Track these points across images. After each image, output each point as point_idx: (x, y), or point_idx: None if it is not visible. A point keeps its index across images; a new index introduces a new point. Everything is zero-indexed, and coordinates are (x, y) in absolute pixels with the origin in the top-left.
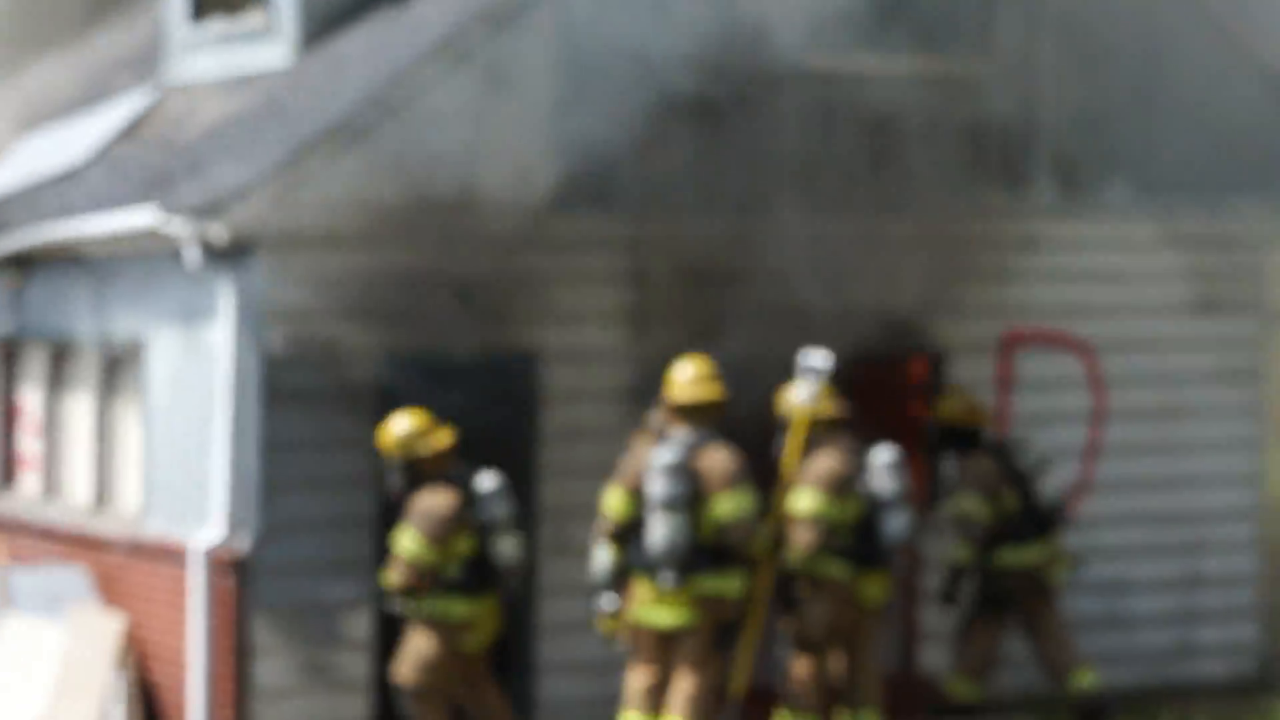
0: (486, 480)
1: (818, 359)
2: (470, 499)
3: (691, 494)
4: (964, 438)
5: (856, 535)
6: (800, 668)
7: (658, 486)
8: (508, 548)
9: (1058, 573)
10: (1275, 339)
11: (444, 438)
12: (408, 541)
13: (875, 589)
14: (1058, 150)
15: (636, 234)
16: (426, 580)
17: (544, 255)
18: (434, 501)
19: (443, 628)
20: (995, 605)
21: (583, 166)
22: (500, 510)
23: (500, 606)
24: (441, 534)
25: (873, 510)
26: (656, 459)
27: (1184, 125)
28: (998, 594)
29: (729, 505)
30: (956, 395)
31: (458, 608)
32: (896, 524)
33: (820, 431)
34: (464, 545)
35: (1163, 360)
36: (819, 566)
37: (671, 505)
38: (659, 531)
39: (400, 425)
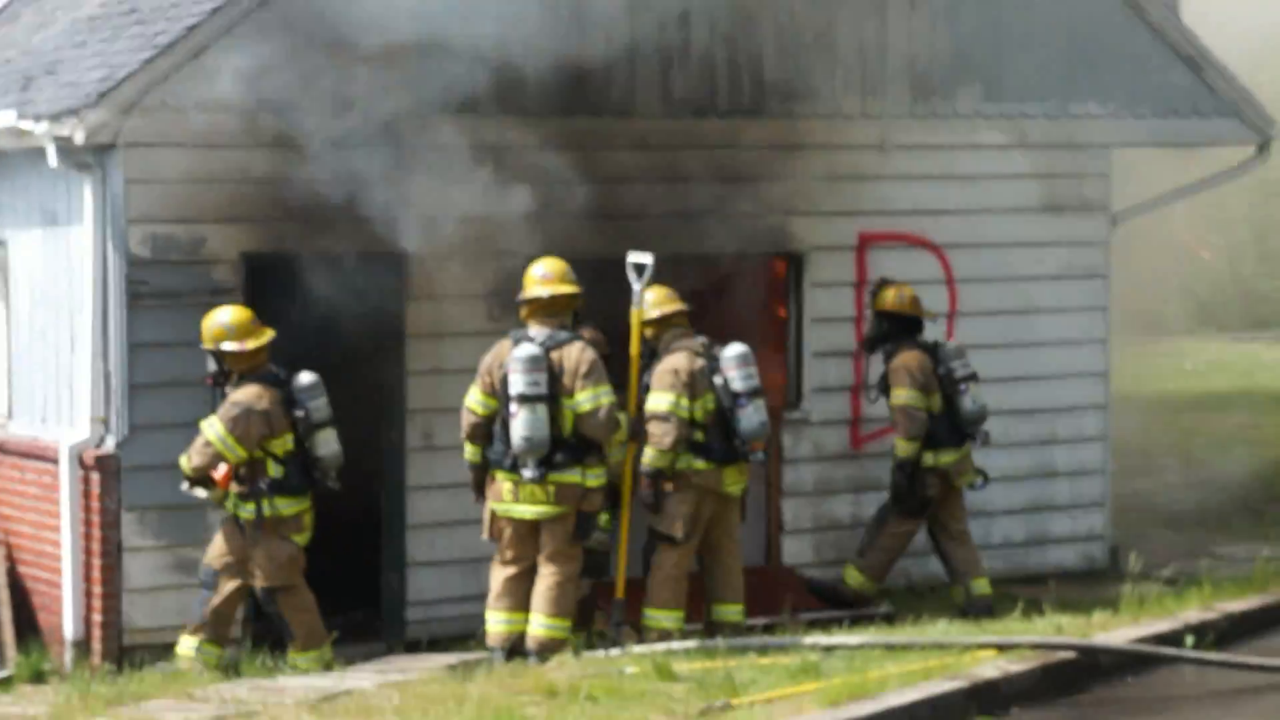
0: (304, 377)
1: (642, 257)
2: (289, 398)
3: (550, 388)
4: (903, 329)
5: (713, 430)
6: (664, 562)
7: (518, 380)
8: (327, 443)
9: (967, 480)
10: (1118, 239)
11: (261, 336)
12: (207, 427)
13: (733, 482)
14: (910, 57)
15: (499, 139)
16: (244, 478)
17: (406, 155)
18: (242, 395)
19: (280, 524)
20: (916, 506)
21: (454, 66)
22: (318, 406)
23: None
24: (243, 429)
25: (728, 405)
26: (515, 353)
27: (1032, 32)
28: (920, 494)
29: (584, 396)
30: (897, 287)
31: (286, 505)
32: (750, 418)
33: (669, 330)
34: (283, 444)
35: (1013, 260)
36: (678, 462)
37: (531, 399)
38: (520, 425)
39: (217, 318)
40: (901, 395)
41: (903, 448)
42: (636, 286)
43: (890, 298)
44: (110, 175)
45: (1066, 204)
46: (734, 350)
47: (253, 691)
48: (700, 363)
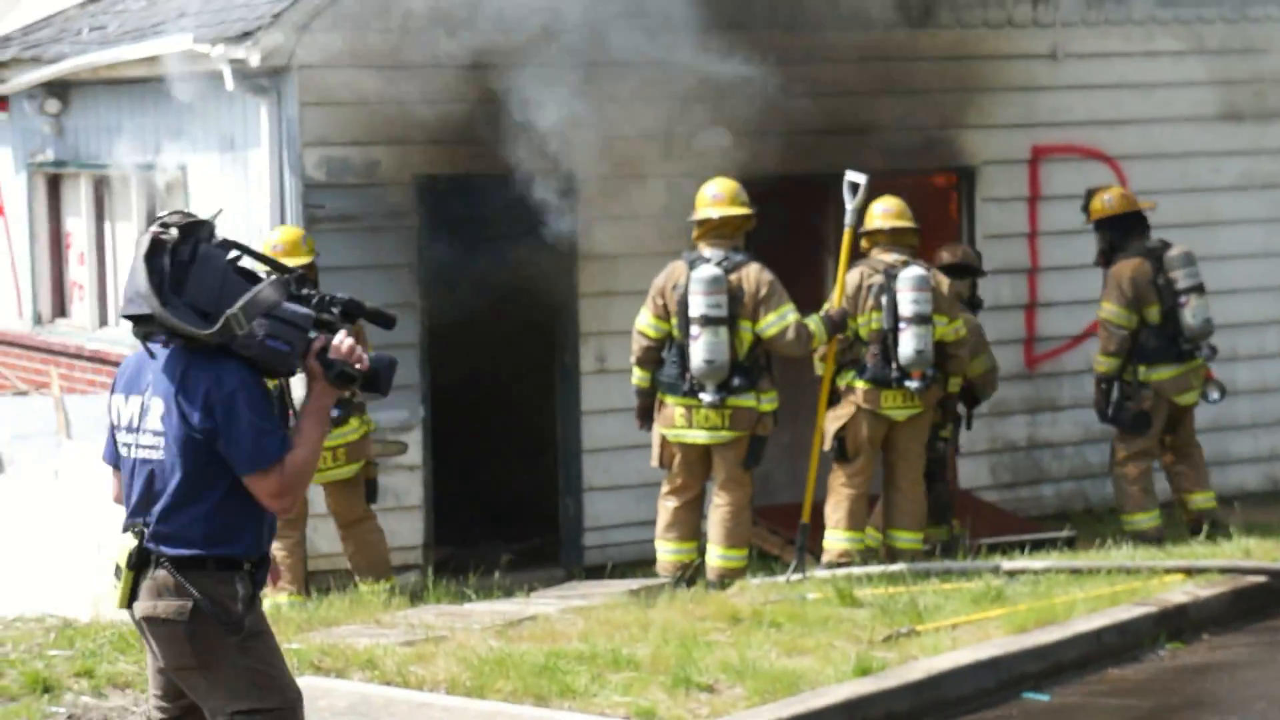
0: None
1: (856, 175)
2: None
3: (730, 309)
4: (1124, 232)
5: (876, 349)
6: (834, 482)
7: (699, 302)
8: None
9: (1190, 399)
10: None
11: (303, 255)
12: None
13: (894, 405)
14: None
15: (666, 55)
16: None
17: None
18: None
19: None
20: (1129, 421)
21: None
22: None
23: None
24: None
25: (889, 326)
26: (696, 275)
27: None
28: (1134, 409)
29: (771, 319)
30: (1100, 191)
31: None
32: (906, 344)
33: (887, 245)
34: None
35: (1191, 170)
36: (839, 378)
37: (714, 320)
38: (702, 347)
39: (268, 237)
40: (1105, 309)
41: (1099, 362)
42: (850, 204)
43: (1097, 205)
44: (286, 98)
45: (1245, 111)
46: (911, 272)
47: (439, 617)
48: (875, 279)
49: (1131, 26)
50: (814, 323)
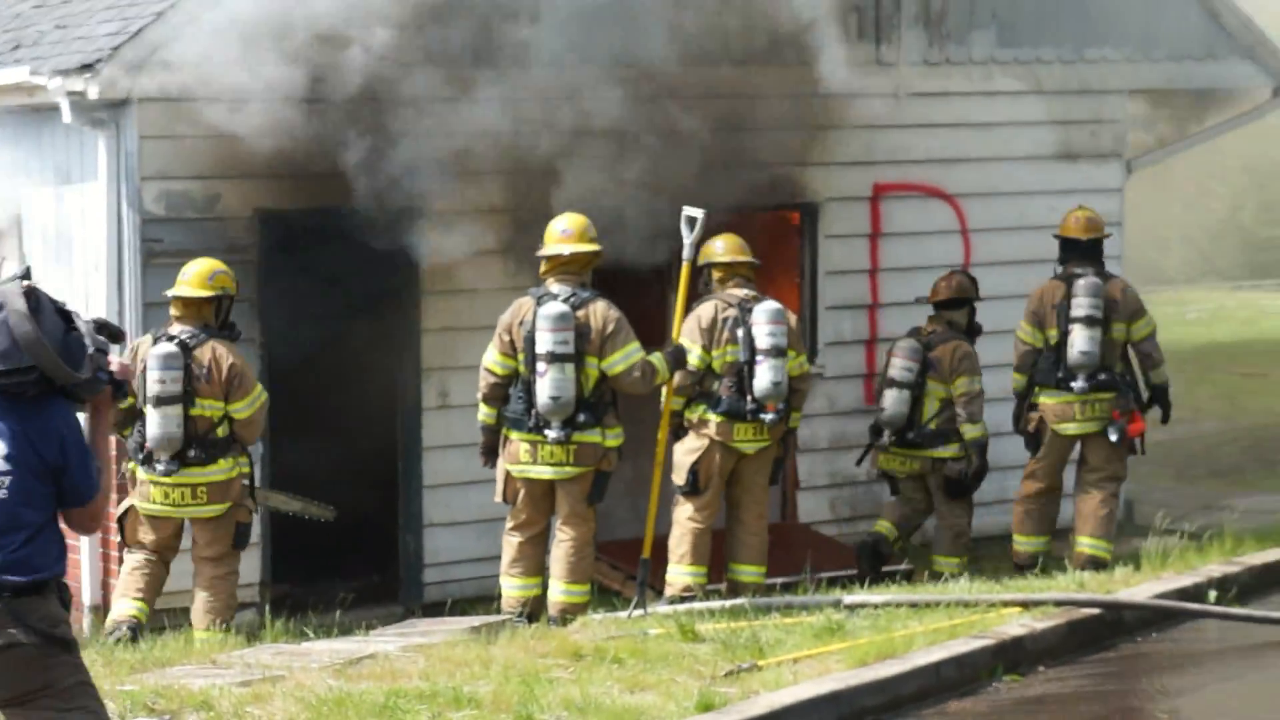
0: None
1: (694, 210)
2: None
3: (576, 345)
4: (1072, 254)
5: (730, 383)
6: (680, 515)
7: (546, 338)
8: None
9: (1070, 428)
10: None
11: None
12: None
13: (745, 439)
14: (924, 2)
15: (512, 91)
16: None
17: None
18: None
19: None
20: (1028, 441)
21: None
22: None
23: None
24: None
25: (745, 359)
26: (543, 311)
27: None
28: (1023, 430)
29: (618, 357)
30: (1071, 210)
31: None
32: (763, 376)
33: (731, 279)
34: None
35: (1029, 208)
36: (690, 411)
37: (561, 357)
38: (548, 384)
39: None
40: (1020, 324)
41: (1012, 377)
42: (688, 239)
43: (1063, 221)
44: (124, 131)
45: (1081, 151)
46: (767, 306)
47: (277, 656)
48: (729, 313)
49: (972, 66)
50: (658, 359)
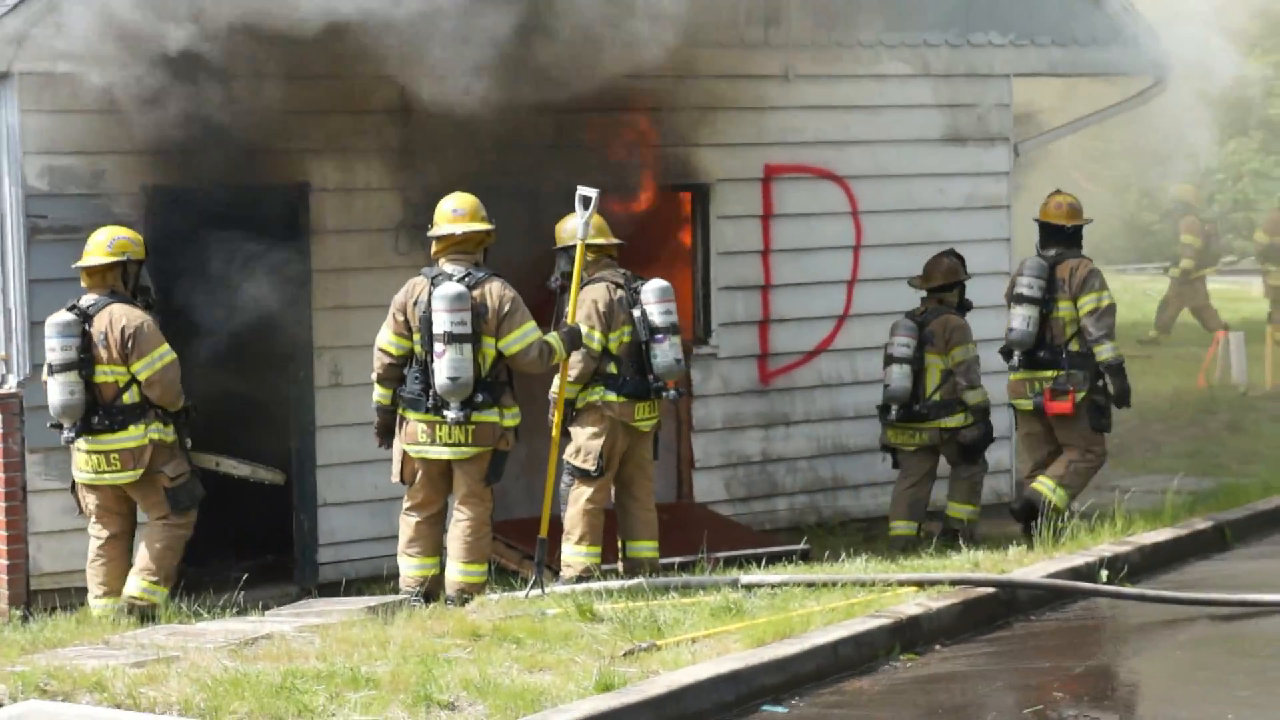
0: None
1: (588, 190)
2: None
3: (475, 327)
4: (1057, 236)
5: (627, 363)
6: (578, 497)
7: (444, 319)
8: None
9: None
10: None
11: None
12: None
13: (644, 417)
14: None
15: (404, 71)
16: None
17: (310, 88)
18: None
19: None
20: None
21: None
22: None
23: None
24: None
25: (644, 339)
26: (440, 291)
27: None
28: None
29: (514, 337)
30: (1058, 193)
31: None
32: (665, 354)
33: (598, 261)
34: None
35: (917, 191)
36: (589, 394)
37: (459, 338)
38: (446, 364)
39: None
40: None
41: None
42: (583, 217)
43: (1044, 206)
44: (6, 104)
45: (969, 134)
46: (655, 285)
47: (171, 636)
48: (620, 294)
49: (860, 49)
50: (554, 339)
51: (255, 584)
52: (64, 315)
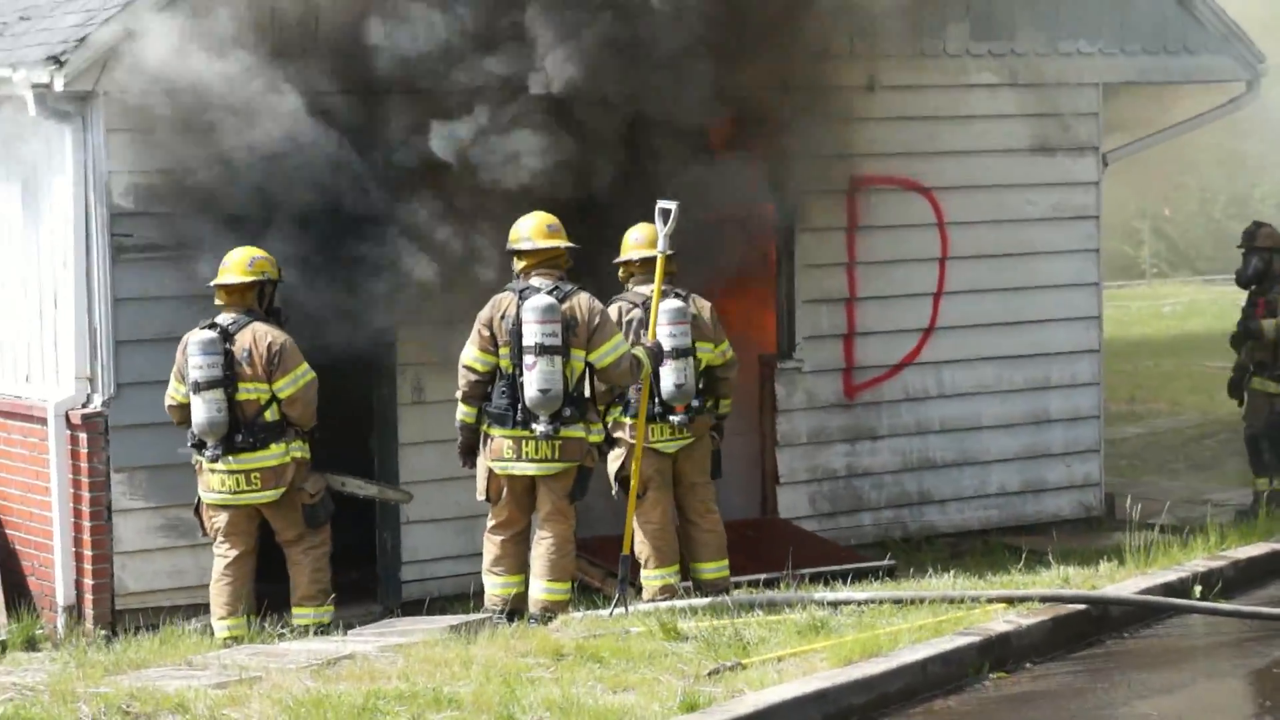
0: None
1: (667, 202)
2: None
3: (564, 339)
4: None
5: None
6: (640, 519)
7: (534, 330)
8: None
9: None
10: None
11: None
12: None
13: (662, 439)
14: None
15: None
16: None
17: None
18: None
19: None
20: None
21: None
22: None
23: None
24: None
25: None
26: (530, 304)
27: None
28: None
29: (606, 349)
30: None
31: None
32: (666, 379)
33: (630, 277)
34: None
35: (1005, 202)
36: (609, 416)
37: (550, 350)
38: (537, 377)
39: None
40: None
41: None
42: (663, 230)
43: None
44: (91, 124)
45: (1057, 144)
46: (666, 305)
47: (253, 657)
48: (634, 314)
49: (946, 59)
50: (641, 353)
51: (338, 603)
52: (206, 333)
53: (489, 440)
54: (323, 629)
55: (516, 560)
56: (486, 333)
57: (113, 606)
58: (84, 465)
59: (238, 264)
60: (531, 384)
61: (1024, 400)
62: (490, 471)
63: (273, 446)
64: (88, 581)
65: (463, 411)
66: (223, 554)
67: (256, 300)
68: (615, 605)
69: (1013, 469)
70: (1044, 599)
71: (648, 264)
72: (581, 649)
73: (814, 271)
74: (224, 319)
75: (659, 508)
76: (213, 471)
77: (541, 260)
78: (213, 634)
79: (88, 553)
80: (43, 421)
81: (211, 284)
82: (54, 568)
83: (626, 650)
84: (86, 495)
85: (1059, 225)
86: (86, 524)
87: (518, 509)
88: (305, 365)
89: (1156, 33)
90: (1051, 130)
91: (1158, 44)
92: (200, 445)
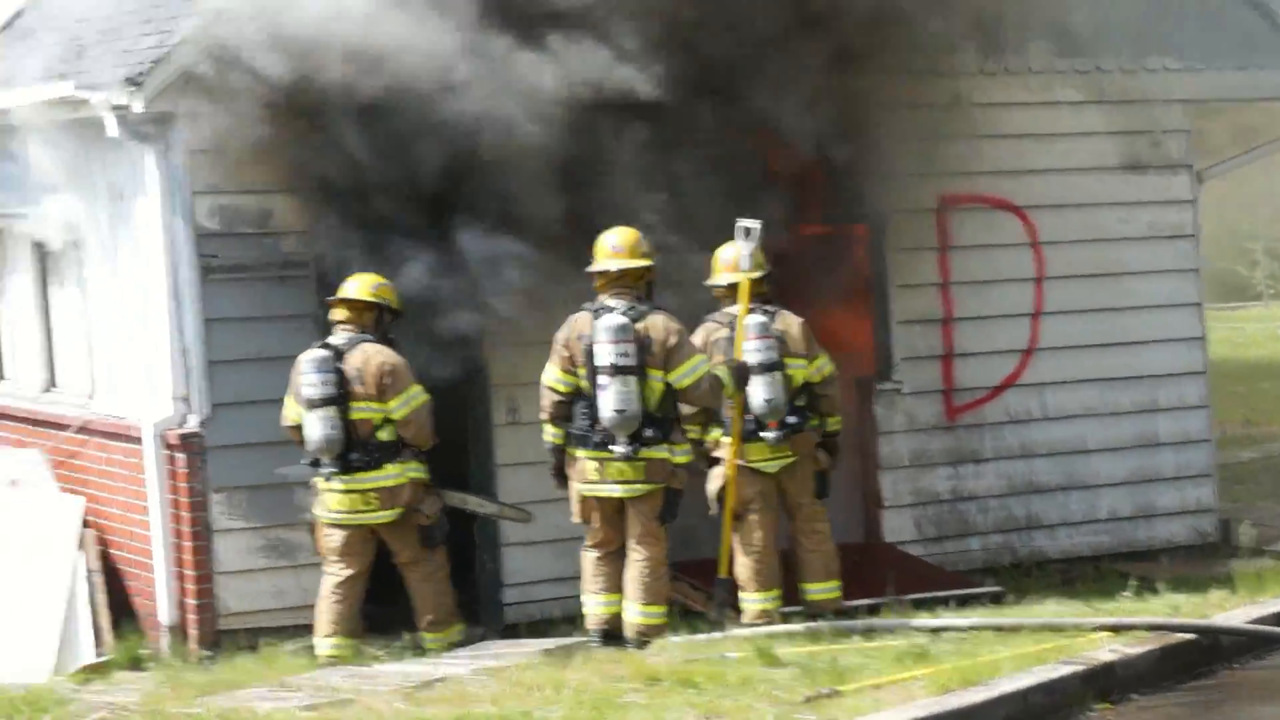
0: None
1: (749, 221)
2: None
3: (639, 358)
4: None
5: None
6: (740, 542)
7: (607, 351)
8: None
9: None
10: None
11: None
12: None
13: (761, 457)
14: (979, 12)
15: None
16: None
17: None
18: None
19: None
20: None
21: None
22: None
23: None
24: None
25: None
26: (602, 324)
27: None
28: None
29: (684, 370)
30: None
31: None
32: (754, 395)
33: (722, 296)
34: None
35: (1099, 220)
36: (709, 435)
37: (623, 369)
38: (612, 397)
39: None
40: None
41: None
42: (745, 250)
43: None
44: (173, 145)
45: (1148, 161)
46: (751, 321)
47: (346, 679)
48: (721, 334)
49: (1030, 76)
50: (723, 372)
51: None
52: (318, 351)
53: (574, 462)
54: (445, 646)
55: (613, 579)
56: (565, 353)
57: (215, 626)
58: (182, 485)
59: (363, 283)
60: (606, 405)
61: (1130, 423)
62: (580, 493)
63: (388, 466)
64: (190, 601)
65: (549, 433)
66: (334, 573)
67: (374, 325)
68: (712, 629)
69: (1122, 493)
70: (1150, 627)
71: (731, 287)
72: (676, 674)
73: (908, 292)
74: (337, 338)
75: (760, 530)
76: (329, 491)
77: (614, 280)
78: (314, 653)
79: (189, 573)
80: (140, 441)
81: (330, 299)
82: (156, 587)
83: (722, 676)
84: (186, 515)
85: (1154, 244)
86: (188, 544)
87: (611, 529)
88: (418, 386)
89: (1245, 49)
90: (1141, 148)
91: (1247, 60)
92: (316, 463)
